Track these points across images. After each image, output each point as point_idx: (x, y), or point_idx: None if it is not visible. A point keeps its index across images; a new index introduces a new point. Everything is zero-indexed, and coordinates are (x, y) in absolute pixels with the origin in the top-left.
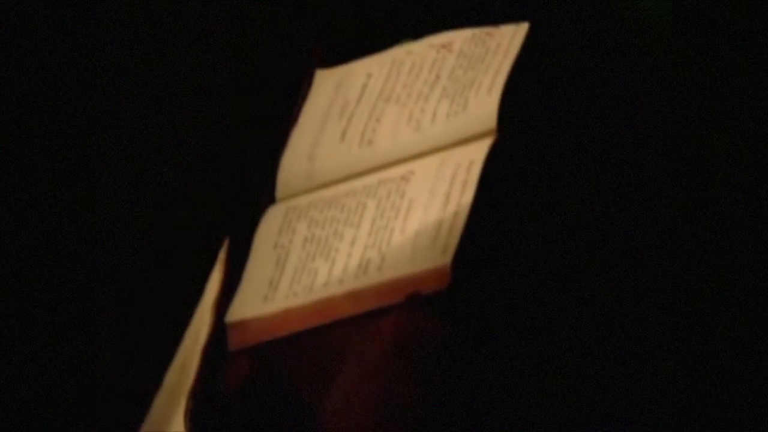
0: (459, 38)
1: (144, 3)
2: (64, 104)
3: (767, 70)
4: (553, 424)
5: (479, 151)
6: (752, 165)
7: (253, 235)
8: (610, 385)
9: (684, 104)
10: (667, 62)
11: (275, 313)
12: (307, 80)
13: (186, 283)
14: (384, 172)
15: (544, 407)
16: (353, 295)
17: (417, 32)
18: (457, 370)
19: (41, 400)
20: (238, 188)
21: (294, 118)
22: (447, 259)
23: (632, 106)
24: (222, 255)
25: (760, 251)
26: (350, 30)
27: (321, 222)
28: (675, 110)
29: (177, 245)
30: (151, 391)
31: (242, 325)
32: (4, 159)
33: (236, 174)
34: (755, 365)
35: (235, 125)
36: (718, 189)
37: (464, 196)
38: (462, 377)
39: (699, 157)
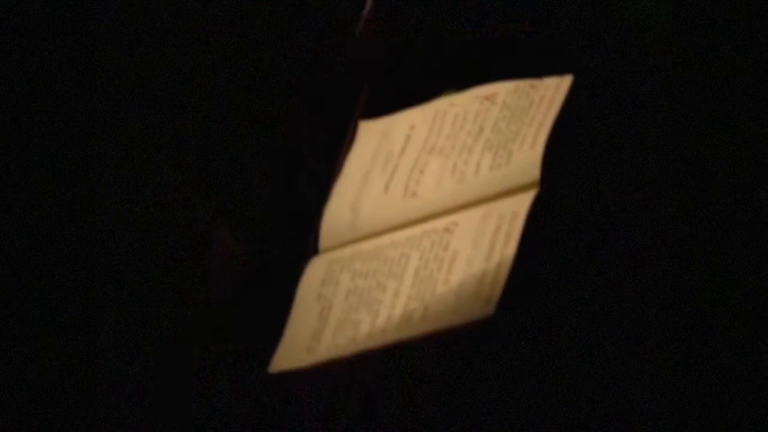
0: (503, 90)
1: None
2: (64, 104)
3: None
4: None
5: (523, 203)
6: (752, 165)
7: (296, 286)
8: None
9: (689, 110)
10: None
11: (318, 364)
12: (351, 131)
13: (186, 283)
14: (427, 224)
15: None
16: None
17: (461, 83)
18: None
19: (41, 400)
20: (239, 188)
21: (338, 169)
22: (490, 310)
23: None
24: None
25: (760, 251)
26: (394, 80)
27: (364, 273)
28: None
29: (177, 245)
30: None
31: (286, 375)
32: (4, 159)
33: (236, 173)
34: (755, 365)
35: (233, 124)
36: (721, 190)
37: (508, 247)
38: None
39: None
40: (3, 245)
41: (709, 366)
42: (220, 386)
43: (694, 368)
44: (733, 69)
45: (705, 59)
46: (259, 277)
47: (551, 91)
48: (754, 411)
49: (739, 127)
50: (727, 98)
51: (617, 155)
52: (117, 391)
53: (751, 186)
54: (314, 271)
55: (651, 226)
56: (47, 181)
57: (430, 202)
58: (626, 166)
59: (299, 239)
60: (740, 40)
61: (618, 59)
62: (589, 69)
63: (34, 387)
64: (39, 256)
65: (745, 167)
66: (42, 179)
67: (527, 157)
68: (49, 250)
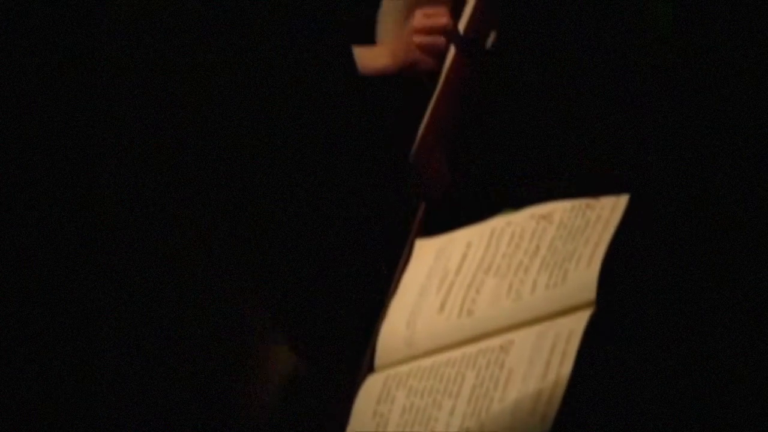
0: (559, 209)
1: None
2: (72, 104)
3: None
4: None
5: (578, 323)
6: (752, 165)
7: (352, 403)
8: None
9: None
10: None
11: None
12: (407, 249)
13: (187, 284)
14: (483, 342)
15: None
16: None
17: (517, 202)
18: None
19: (41, 400)
20: (240, 188)
21: (394, 287)
22: (546, 428)
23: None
24: None
25: (760, 251)
26: (451, 199)
27: (420, 391)
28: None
29: (176, 245)
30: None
31: None
32: (4, 159)
33: (293, 283)
34: (755, 365)
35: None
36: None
37: (563, 366)
38: None
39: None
40: (3, 245)
41: (709, 366)
42: None
43: (694, 368)
44: (733, 69)
45: (705, 59)
46: (316, 394)
47: (607, 211)
48: (754, 411)
49: (739, 127)
50: (727, 98)
51: (711, 331)
52: (117, 392)
53: (752, 186)
54: (370, 389)
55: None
56: (50, 181)
57: (486, 321)
58: (680, 286)
59: (355, 356)
60: (740, 40)
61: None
62: (646, 190)
63: (34, 387)
64: (39, 256)
65: (746, 167)
66: (44, 179)
67: (583, 276)
68: (49, 250)
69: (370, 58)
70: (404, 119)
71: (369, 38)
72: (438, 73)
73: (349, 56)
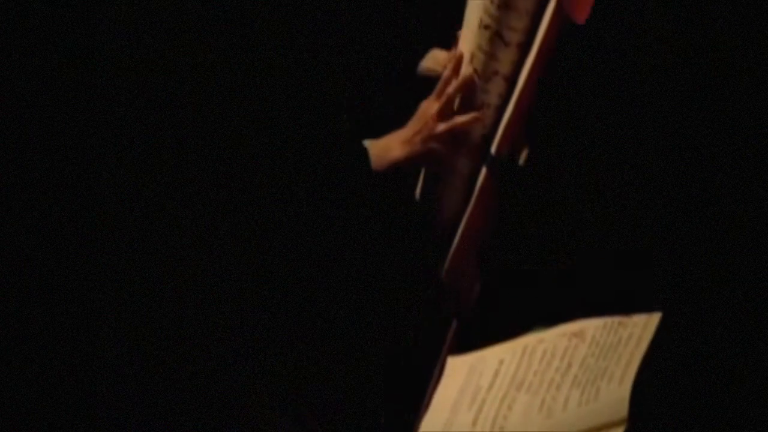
0: (591, 326)
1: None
2: (73, 104)
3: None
4: None
5: None
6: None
7: None
8: None
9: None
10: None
11: None
12: (439, 367)
13: (187, 283)
14: None
15: None
16: None
17: (549, 319)
18: None
19: (41, 400)
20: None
21: (426, 404)
22: None
23: None
24: None
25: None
26: (483, 316)
27: None
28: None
29: (177, 245)
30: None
31: None
32: (4, 159)
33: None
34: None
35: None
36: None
37: None
38: None
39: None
40: (3, 245)
41: (710, 366)
42: None
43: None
44: (733, 69)
45: (705, 59)
46: None
47: (639, 329)
48: (754, 411)
49: (739, 128)
50: (727, 98)
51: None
52: (117, 392)
53: (752, 186)
54: None
55: None
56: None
57: None
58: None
59: None
60: (740, 40)
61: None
62: (677, 308)
63: (34, 387)
64: (40, 256)
65: (745, 167)
66: (49, 179)
67: (615, 394)
68: (50, 250)
69: (383, 149)
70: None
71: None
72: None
73: (363, 154)
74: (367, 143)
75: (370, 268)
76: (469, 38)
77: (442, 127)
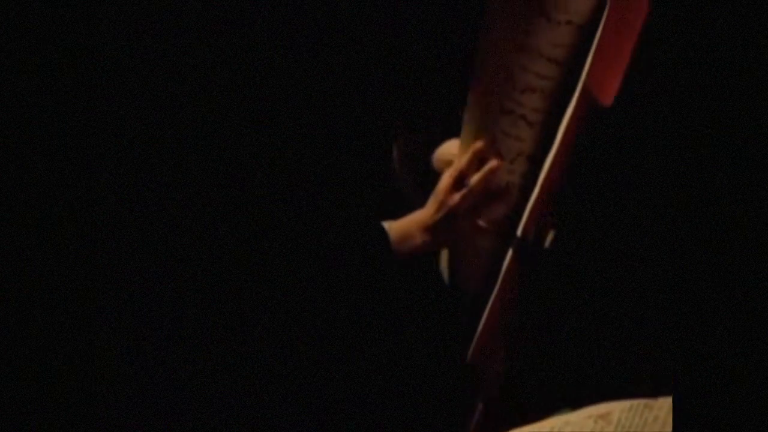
0: (617, 409)
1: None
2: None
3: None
4: None
5: None
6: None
7: None
8: None
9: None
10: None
11: None
12: None
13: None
14: None
15: None
16: None
17: (575, 402)
18: None
19: (41, 399)
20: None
21: None
22: None
23: None
24: None
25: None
26: (509, 398)
27: None
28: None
29: (176, 245)
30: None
31: None
32: (5, 159)
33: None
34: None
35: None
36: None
37: None
38: None
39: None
40: (3, 245)
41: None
42: None
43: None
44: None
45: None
46: None
47: (665, 411)
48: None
49: (739, 127)
50: (727, 98)
51: None
52: (117, 391)
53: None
54: None
55: None
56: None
57: None
58: None
59: None
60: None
61: None
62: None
63: (34, 386)
64: (39, 256)
65: (746, 167)
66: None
67: None
68: (50, 250)
69: (403, 236)
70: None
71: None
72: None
73: (383, 238)
74: (386, 226)
75: (394, 351)
76: (488, 124)
77: (464, 210)
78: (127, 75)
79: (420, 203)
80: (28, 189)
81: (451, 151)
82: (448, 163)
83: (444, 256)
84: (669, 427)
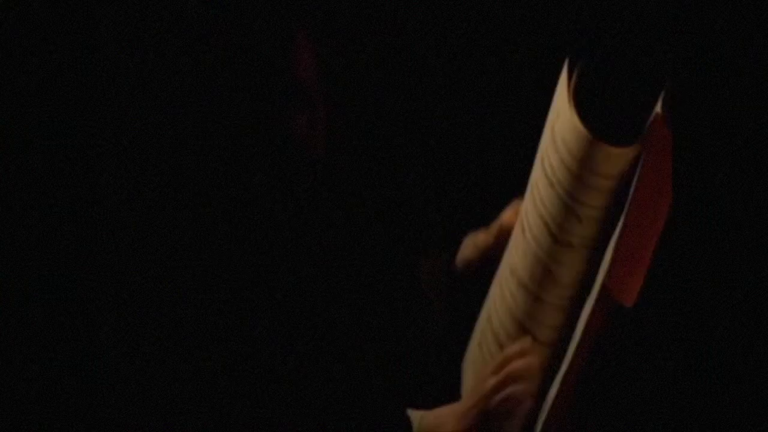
0: None
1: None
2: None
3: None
4: None
5: None
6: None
7: None
8: None
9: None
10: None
11: None
12: None
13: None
14: None
15: None
16: None
17: None
18: None
19: (41, 399)
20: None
21: None
22: None
23: None
24: None
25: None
26: None
27: None
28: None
29: (176, 245)
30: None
31: None
32: (5, 159)
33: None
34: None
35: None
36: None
37: None
38: None
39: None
40: (4, 245)
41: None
42: None
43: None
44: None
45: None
46: None
47: None
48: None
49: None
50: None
51: None
52: (117, 391)
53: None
54: None
55: None
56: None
57: None
58: None
59: None
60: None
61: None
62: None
63: (34, 386)
64: (40, 256)
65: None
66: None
67: None
68: (50, 250)
69: (436, 424)
70: None
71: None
72: None
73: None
74: (417, 416)
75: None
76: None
77: (498, 402)
78: (127, 75)
79: (443, 312)
80: (28, 189)
81: (477, 244)
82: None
83: None
84: None
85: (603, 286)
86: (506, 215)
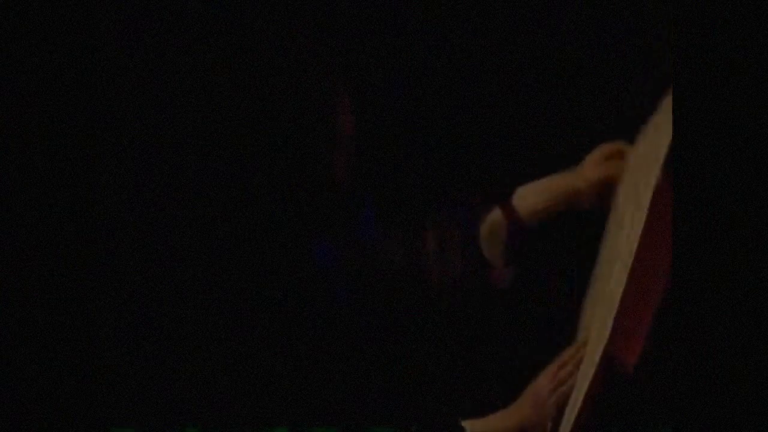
0: None
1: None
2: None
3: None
4: None
5: None
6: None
7: None
8: None
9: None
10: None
11: None
12: None
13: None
14: None
15: None
16: None
17: None
18: None
19: (42, 398)
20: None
21: None
22: None
23: None
24: None
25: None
26: None
27: None
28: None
29: (176, 245)
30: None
31: None
32: (5, 159)
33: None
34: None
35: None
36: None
37: None
38: None
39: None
40: (4, 245)
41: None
42: None
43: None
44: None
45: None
46: None
47: None
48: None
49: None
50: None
51: None
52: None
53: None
54: None
55: None
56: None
57: None
58: None
59: None
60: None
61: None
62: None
63: (34, 386)
64: (40, 256)
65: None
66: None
67: None
68: (51, 250)
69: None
70: None
71: None
72: None
73: None
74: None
75: None
76: None
77: (552, 406)
78: (127, 75)
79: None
80: (28, 189)
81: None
82: None
83: None
84: None
85: (605, 352)
86: (605, 167)
